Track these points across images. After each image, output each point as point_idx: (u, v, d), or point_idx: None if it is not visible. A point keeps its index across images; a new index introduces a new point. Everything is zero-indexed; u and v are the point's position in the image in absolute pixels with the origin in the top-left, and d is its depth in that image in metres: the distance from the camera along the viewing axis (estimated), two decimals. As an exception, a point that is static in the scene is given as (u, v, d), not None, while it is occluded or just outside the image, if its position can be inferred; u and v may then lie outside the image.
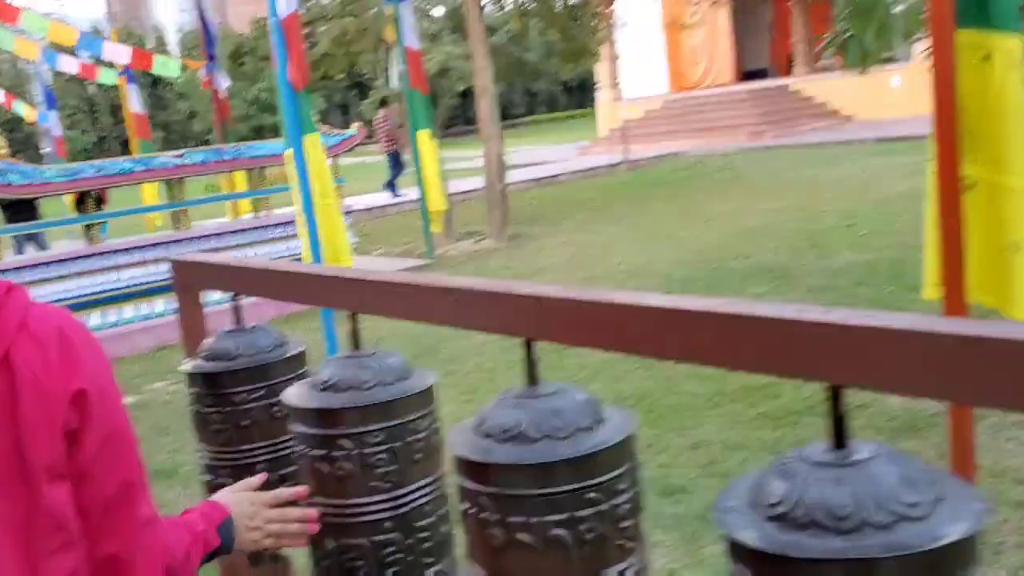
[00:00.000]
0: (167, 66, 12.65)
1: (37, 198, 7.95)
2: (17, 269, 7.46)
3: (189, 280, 1.89)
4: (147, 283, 8.00)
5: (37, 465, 0.97)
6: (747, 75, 27.10)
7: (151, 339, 7.98)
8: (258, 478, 1.49)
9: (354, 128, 9.11)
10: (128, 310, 7.99)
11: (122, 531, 1.06)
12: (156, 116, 45.56)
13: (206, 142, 42.38)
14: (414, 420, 1.43)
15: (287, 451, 1.73)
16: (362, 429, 1.40)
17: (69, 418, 0.99)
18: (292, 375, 1.75)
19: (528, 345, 1.18)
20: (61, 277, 7.67)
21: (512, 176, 13.99)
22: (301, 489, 1.44)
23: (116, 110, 48.33)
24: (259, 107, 34.37)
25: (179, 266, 1.88)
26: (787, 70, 26.45)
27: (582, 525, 1.10)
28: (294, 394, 1.51)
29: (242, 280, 1.76)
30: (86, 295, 7.73)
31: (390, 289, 1.40)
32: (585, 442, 1.11)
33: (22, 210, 9.94)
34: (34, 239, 11.37)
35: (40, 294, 7.58)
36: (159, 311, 8.09)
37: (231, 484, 1.55)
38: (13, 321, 0.99)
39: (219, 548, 1.30)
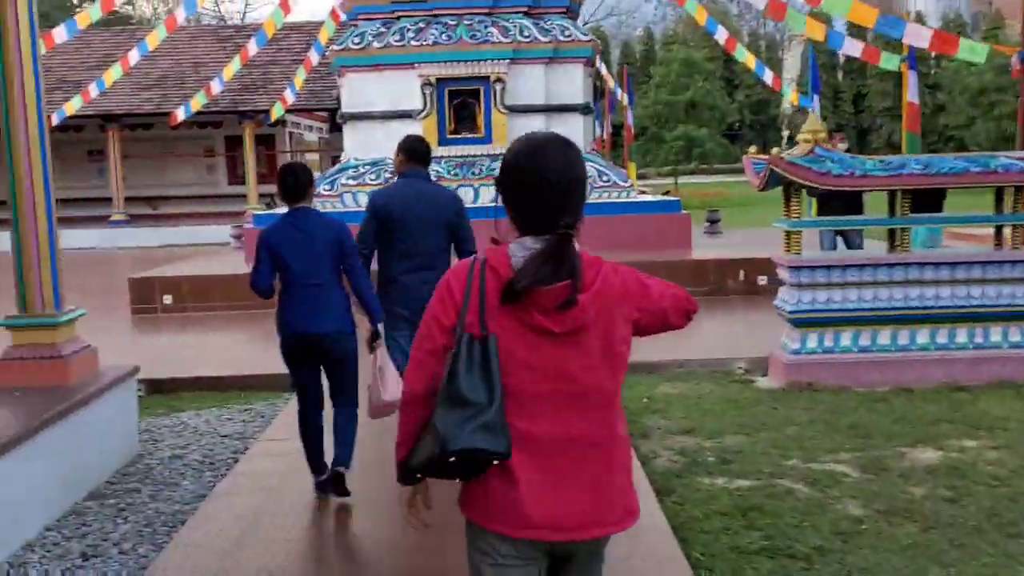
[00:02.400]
0: (974, 51, 10.94)
1: (854, 191, 6.90)
2: (809, 268, 6.67)
3: None
4: (935, 307, 6.66)
5: (617, 336, 2.15)
6: None
7: (942, 371, 6.61)
8: None
9: None
10: (922, 334, 6.70)
11: (672, 315, 2.28)
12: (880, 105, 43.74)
13: (950, 138, 39.21)
14: None
15: None
16: None
17: (631, 313, 2.18)
18: None
19: None
20: (850, 284, 6.66)
21: None
22: None
23: (858, 99, 47.77)
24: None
25: None
26: None
27: None
28: None
29: None
30: (870, 309, 6.65)
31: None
32: None
33: (839, 202, 8.39)
34: (844, 235, 9.77)
35: (826, 298, 6.70)
36: (953, 343, 6.67)
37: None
38: (608, 266, 2.16)
39: None
